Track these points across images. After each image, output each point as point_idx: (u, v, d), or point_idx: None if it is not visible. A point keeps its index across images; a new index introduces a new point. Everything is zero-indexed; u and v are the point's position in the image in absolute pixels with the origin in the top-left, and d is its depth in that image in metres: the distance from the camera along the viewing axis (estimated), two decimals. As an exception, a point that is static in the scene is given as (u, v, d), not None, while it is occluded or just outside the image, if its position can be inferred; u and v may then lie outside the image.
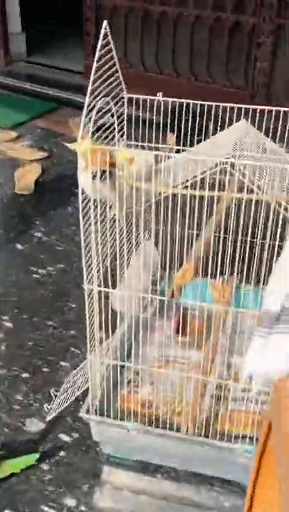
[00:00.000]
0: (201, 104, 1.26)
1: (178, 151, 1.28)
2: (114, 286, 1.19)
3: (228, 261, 1.34)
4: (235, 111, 1.25)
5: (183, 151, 1.27)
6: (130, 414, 1.28)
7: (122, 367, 1.43)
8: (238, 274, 1.37)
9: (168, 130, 1.34)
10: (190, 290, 1.41)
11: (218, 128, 1.21)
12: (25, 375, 1.56)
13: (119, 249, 1.22)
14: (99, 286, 1.14)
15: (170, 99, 1.27)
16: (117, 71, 1.15)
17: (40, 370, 1.59)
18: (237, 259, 1.22)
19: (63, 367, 1.60)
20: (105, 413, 1.27)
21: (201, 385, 1.30)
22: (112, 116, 1.17)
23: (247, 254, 1.17)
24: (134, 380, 1.39)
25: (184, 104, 1.27)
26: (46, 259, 2.08)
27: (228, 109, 1.25)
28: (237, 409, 1.28)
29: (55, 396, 1.44)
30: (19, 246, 2.13)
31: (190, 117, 1.38)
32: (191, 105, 1.27)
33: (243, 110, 1.23)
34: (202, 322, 1.54)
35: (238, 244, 1.16)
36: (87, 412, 1.27)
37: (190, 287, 1.40)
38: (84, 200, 1.06)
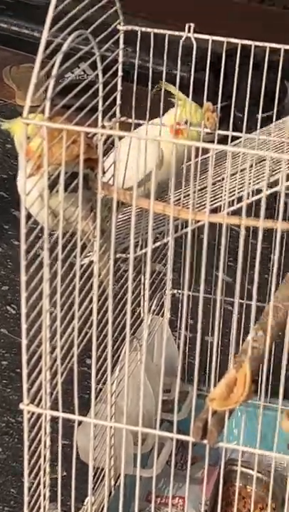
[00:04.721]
0: (270, 49, 1.29)
1: (225, 138, 1.31)
2: (85, 411, 1.20)
3: None
4: None
5: (235, 139, 1.32)
6: None
7: None
8: None
9: (204, 97, 1.36)
10: (240, 424, 1.36)
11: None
12: None
13: (99, 333, 1.17)
14: (53, 409, 1.14)
15: (209, 37, 1.30)
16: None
17: None
18: None
19: None
20: None
21: None
22: (95, 68, 1.17)
23: None
24: None
25: (238, 47, 1.30)
26: None
27: None
28: None
29: None
30: None
31: (249, 72, 1.39)
32: (251, 49, 1.30)
33: None
34: (265, 493, 1.58)
35: None
36: None
37: (240, 418, 1.41)
38: (30, 232, 1.06)
